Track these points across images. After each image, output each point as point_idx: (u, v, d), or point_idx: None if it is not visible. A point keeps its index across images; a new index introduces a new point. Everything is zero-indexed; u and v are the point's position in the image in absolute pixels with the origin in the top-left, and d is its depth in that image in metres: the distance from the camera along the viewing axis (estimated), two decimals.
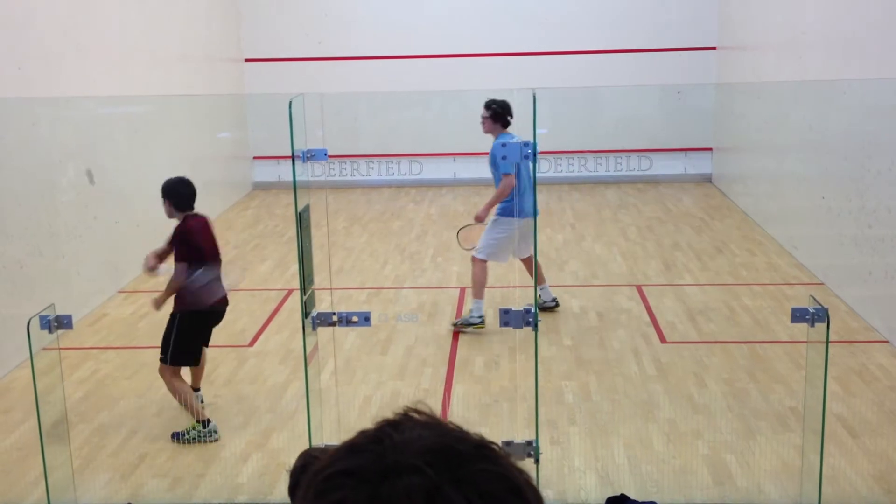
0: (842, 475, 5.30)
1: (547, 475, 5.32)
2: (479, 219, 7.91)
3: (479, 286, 7.88)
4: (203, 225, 6.16)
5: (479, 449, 0.94)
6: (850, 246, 8.39)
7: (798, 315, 4.73)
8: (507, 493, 0.90)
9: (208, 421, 6.02)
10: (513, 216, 7.74)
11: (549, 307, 8.28)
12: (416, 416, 0.98)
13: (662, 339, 7.62)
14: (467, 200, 13.01)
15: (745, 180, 12.93)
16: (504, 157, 6.77)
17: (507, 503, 0.90)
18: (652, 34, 14.48)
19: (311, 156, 5.23)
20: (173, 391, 6.10)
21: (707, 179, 14.65)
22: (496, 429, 6.01)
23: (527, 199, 7.72)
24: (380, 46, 14.66)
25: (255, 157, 14.88)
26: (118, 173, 9.58)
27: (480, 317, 7.86)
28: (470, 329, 7.83)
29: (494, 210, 7.84)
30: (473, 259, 7.89)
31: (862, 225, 8.09)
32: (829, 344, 4.64)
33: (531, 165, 7.07)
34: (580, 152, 14.72)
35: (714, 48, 14.38)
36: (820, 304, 4.68)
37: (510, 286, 8.82)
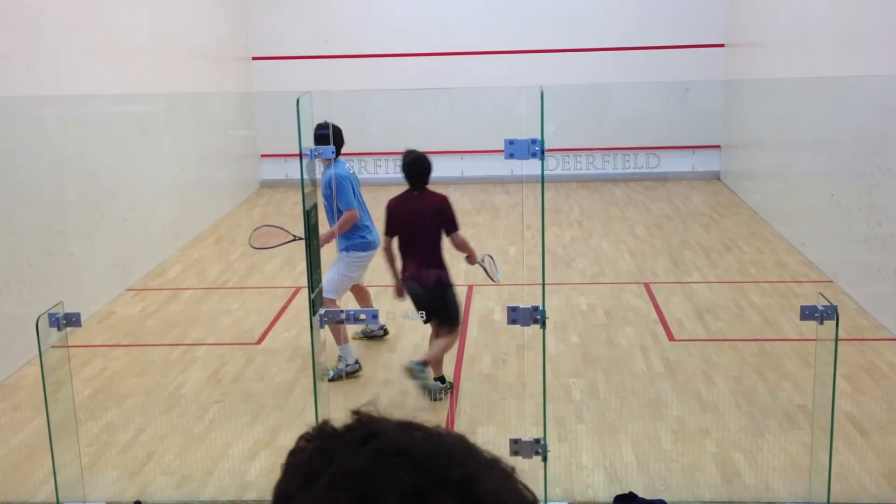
0: (851, 473, 5.29)
1: (555, 473, 5.31)
2: (323, 243, 6.45)
3: (338, 330, 6.83)
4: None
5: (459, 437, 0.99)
6: (859, 243, 8.36)
7: (807, 312, 4.72)
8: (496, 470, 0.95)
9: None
10: (365, 251, 7.03)
11: (375, 335, 7.58)
12: (365, 417, 0.99)
13: (670, 337, 7.61)
14: (475, 198, 13.00)
15: (753, 177, 12.89)
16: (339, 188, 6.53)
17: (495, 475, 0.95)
18: (660, 31, 14.45)
19: (318, 154, 5.24)
20: (442, 351, 6.43)
21: (715, 177, 14.61)
22: (504, 426, 6.01)
23: (374, 229, 7.06)
24: (387, 44, 14.66)
25: (262, 155, 14.90)
26: (126, 172, 9.61)
27: (355, 361, 6.97)
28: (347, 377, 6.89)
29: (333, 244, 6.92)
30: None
31: (871, 222, 8.06)
32: (839, 341, 4.63)
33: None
34: (588, 150, 14.70)
35: (723, 45, 14.34)
36: (829, 302, 4.66)
37: (517, 284, 8.82)
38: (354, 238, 6.95)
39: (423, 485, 0.88)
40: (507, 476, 0.94)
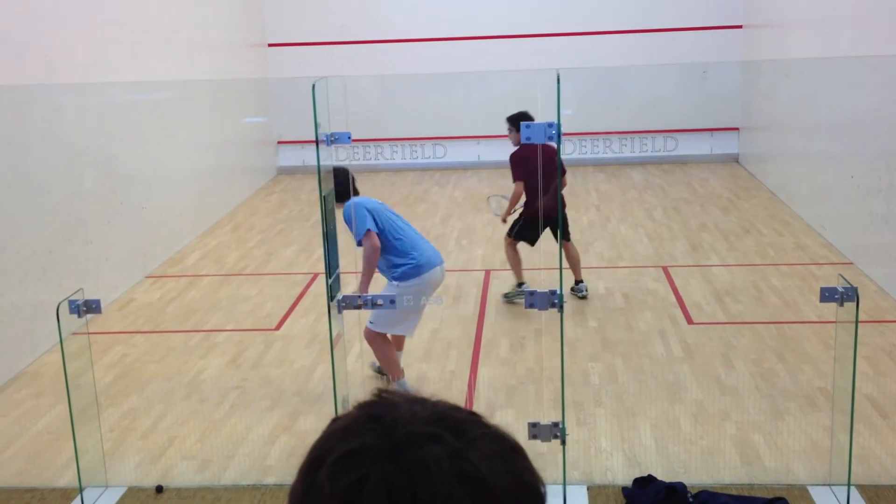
0: (871, 455, 5.26)
1: (574, 456, 5.31)
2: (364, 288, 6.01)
3: (390, 362, 6.29)
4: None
5: (472, 415, 0.97)
6: (879, 224, 8.29)
7: (827, 294, 4.69)
8: (509, 452, 0.94)
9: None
10: (417, 275, 6.07)
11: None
12: (389, 395, 0.98)
13: (689, 320, 7.58)
14: (492, 183, 12.96)
15: (772, 159, 12.80)
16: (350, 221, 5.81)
17: (512, 460, 0.93)
18: (677, 13, 14.34)
19: (335, 139, 5.23)
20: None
21: (734, 159, 14.52)
22: (522, 410, 6.01)
23: (425, 246, 6.19)
24: (402, 29, 14.63)
25: (279, 142, 14.92)
26: (144, 159, 9.64)
27: None
28: None
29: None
30: (371, 334, 6.17)
31: (892, 203, 7.99)
32: (859, 323, 4.60)
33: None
34: (605, 133, 14.64)
35: (740, 26, 14.22)
36: (849, 284, 4.63)
37: (535, 268, 8.80)
38: (402, 266, 6.08)
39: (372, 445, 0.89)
40: (503, 452, 0.93)
